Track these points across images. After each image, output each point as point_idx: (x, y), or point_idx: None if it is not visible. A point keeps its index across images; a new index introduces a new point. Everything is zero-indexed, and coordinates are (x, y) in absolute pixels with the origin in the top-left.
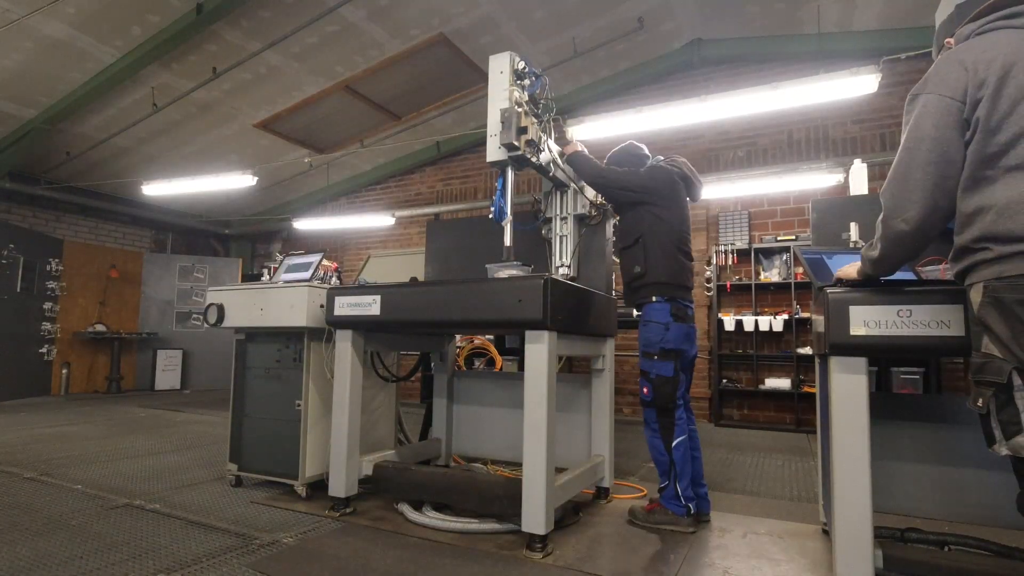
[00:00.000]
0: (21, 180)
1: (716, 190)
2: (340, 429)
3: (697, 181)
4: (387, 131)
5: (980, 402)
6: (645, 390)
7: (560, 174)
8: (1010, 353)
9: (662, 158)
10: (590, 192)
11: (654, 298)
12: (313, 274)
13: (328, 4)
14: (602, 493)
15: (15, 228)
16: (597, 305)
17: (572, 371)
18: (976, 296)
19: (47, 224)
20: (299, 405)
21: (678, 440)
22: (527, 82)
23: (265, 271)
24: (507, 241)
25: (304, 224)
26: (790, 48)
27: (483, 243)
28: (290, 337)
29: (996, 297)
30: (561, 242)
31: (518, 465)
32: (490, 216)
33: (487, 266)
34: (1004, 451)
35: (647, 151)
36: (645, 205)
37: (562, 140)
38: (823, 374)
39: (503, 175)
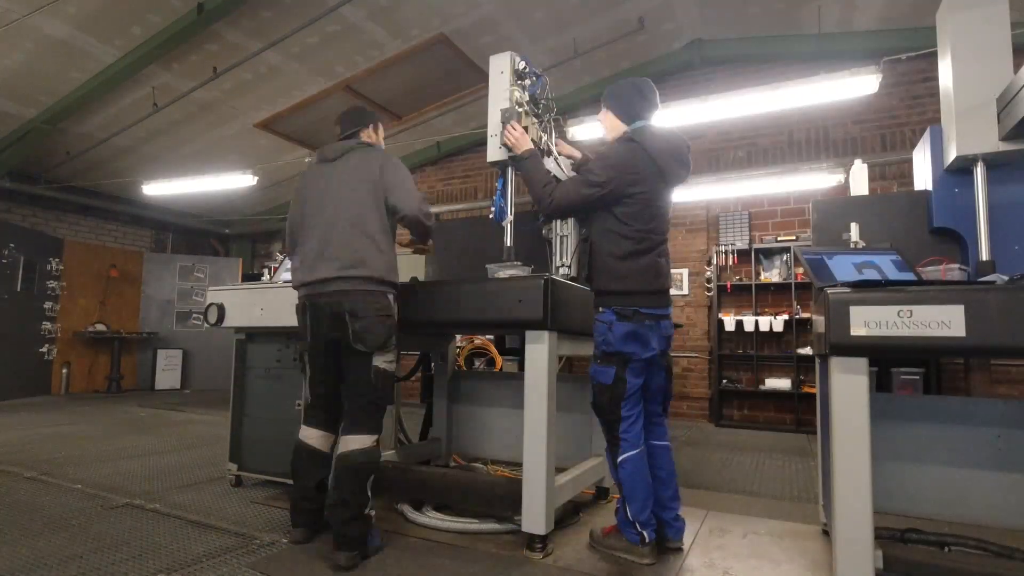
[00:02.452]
0: (21, 180)
1: (716, 190)
2: None
3: (679, 162)
4: (387, 131)
5: None
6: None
7: (560, 174)
8: None
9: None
10: None
11: (600, 309)
12: None
13: (328, 4)
14: (602, 493)
15: (15, 228)
16: None
17: (572, 371)
18: None
19: (47, 224)
20: (299, 405)
21: (624, 456)
22: (528, 82)
23: (265, 271)
24: (507, 241)
25: None
26: (790, 48)
27: (483, 243)
28: (290, 337)
29: None
30: (562, 242)
31: (518, 465)
32: (491, 216)
33: (487, 266)
34: None
35: (655, 98)
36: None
37: (508, 113)
38: (823, 374)
39: (504, 175)
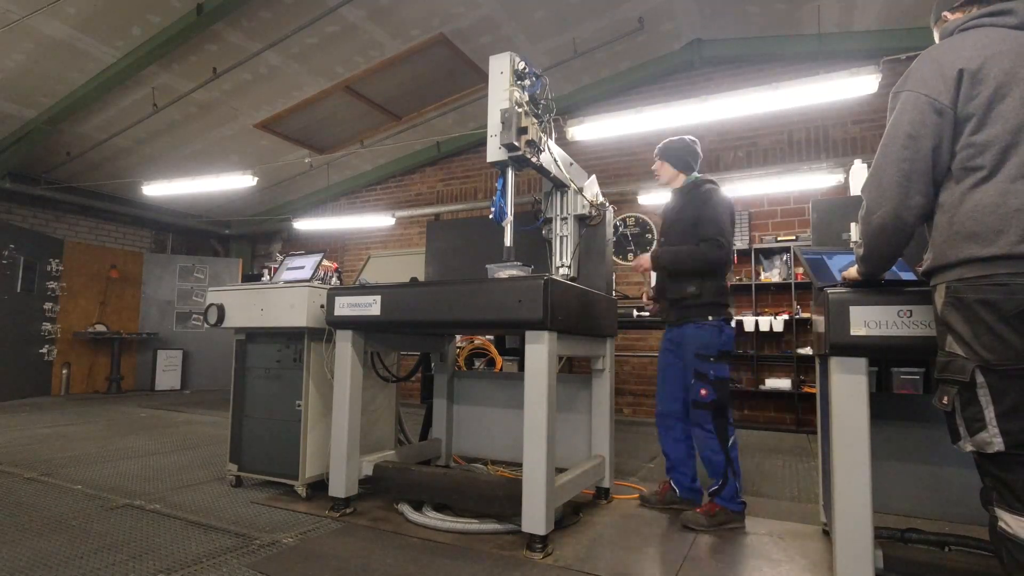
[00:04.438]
0: (21, 180)
1: None
2: (340, 429)
3: None
4: (387, 131)
5: (945, 400)
6: (703, 392)
7: (560, 174)
8: (972, 352)
9: (714, 182)
10: (589, 193)
11: (710, 318)
12: (313, 274)
13: (328, 4)
14: (602, 493)
15: (15, 228)
16: (597, 305)
17: (572, 371)
18: (939, 297)
19: (47, 224)
20: (299, 405)
21: (732, 438)
22: (527, 82)
23: (265, 271)
24: (507, 241)
25: (304, 224)
26: (790, 48)
27: (483, 243)
28: (290, 337)
29: (957, 298)
30: (561, 242)
31: (518, 465)
32: (490, 216)
33: (487, 266)
34: (969, 447)
35: (699, 150)
36: None
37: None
38: (823, 374)
39: (503, 175)
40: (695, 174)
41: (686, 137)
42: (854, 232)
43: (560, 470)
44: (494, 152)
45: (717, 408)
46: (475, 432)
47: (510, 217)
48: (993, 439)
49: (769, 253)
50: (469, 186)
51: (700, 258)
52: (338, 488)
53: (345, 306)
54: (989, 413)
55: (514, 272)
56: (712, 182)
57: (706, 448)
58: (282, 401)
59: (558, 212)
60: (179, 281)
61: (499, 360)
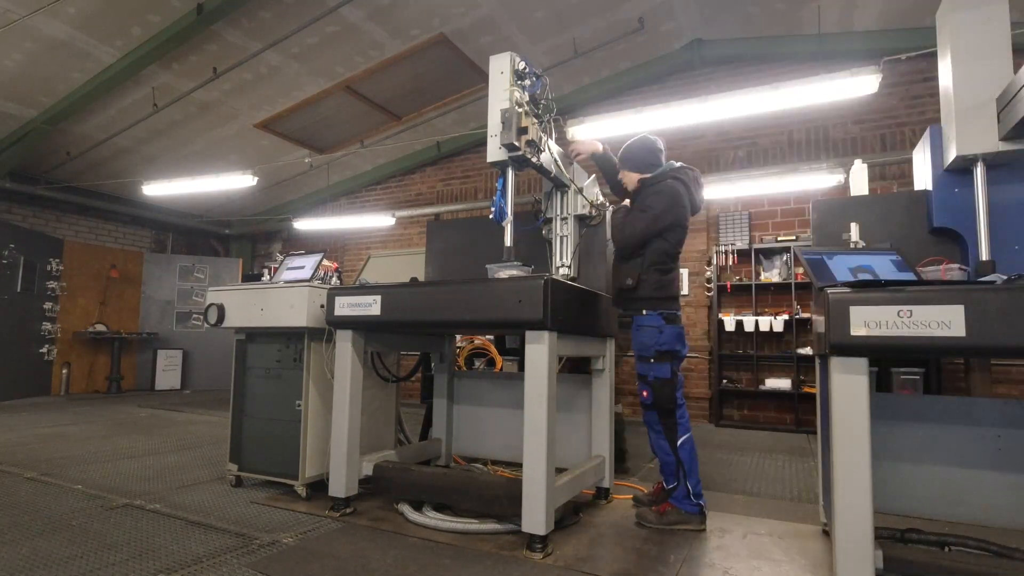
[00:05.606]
0: (21, 180)
1: (716, 190)
2: (340, 429)
3: (701, 194)
4: (387, 131)
5: None
6: (644, 393)
7: (560, 174)
8: None
9: (677, 164)
10: (590, 193)
11: (644, 311)
12: (313, 274)
13: (328, 4)
14: (602, 493)
15: (15, 228)
16: (597, 305)
17: (572, 371)
18: None
19: (47, 224)
20: (299, 405)
21: (683, 439)
22: (527, 82)
23: (265, 271)
24: (507, 241)
25: (304, 224)
26: (790, 48)
27: (483, 243)
28: (290, 337)
29: None
30: (561, 242)
31: (518, 465)
32: (490, 216)
33: (487, 266)
34: None
35: (661, 146)
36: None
37: (563, 141)
38: (823, 374)
39: (503, 175)
40: (660, 169)
41: (643, 137)
42: (854, 232)
43: (560, 470)
44: (494, 152)
45: (662, 409)
46: (475, 432)
47: (510, 217)
48: None
49: (769, 253)
50: (469, 186)
51: (627, 228)
52: (338, 488)
53: (345, 306)
54: None
55: (514, 272)
56: (676, 176)
57: (658, 449)
58: (282, 401)
59: (558, 212)
60: (179, 281)
61: (499, 360)
